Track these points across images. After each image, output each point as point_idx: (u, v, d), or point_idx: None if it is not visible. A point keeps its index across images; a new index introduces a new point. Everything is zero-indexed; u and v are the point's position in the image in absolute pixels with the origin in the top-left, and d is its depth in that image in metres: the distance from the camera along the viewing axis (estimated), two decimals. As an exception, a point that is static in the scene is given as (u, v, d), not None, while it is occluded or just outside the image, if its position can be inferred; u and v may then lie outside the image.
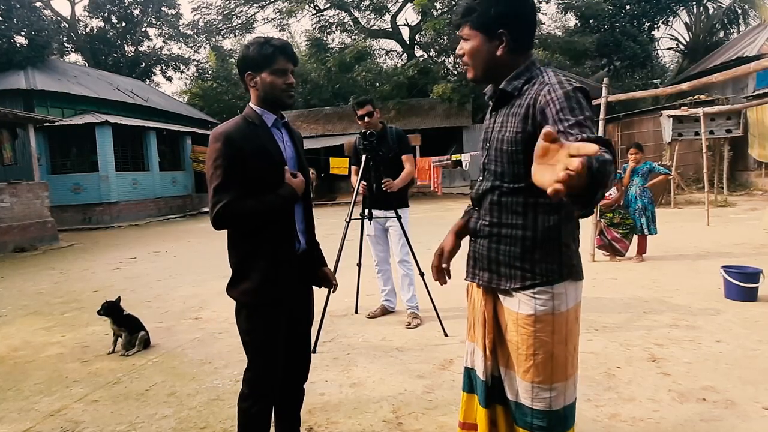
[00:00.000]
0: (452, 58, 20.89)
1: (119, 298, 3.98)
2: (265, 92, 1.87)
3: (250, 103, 1.93)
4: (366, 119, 4.01)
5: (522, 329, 1.53)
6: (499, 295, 1.61)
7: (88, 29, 26.51)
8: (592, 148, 0.94)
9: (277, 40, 1.87)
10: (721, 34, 23.17)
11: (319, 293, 3.76)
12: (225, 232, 1.89)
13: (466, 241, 1.78)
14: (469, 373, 1.77)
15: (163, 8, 26.45)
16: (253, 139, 1.82)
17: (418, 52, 22.98)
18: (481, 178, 1.65)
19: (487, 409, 1.66)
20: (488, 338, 1.63)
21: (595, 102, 7.08)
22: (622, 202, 6.25)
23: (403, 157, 4.14)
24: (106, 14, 25.98)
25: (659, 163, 10.12)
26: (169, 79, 29.68)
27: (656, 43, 24.82)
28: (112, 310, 3.84)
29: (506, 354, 1.61)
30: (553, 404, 1.53)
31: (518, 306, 1.54)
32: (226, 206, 1.76)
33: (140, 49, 27.93)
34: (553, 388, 1.52)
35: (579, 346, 1.64)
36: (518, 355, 1.55)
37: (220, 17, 24.01)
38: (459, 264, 1.71)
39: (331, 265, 3.89)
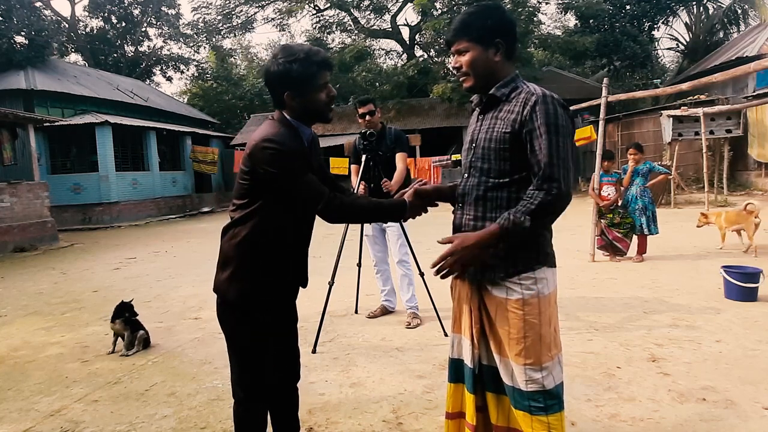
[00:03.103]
0: (452, 58, 20.88)
1: (132, 300, 4.01)
2: (306, 109, 1.78)
3: (287, 115, 1.80)
4: (367, 117, 4.03)
5: (512, 313, 1.67)
6: (487, 286, 1.72)
7: (88, 29, 26.51)
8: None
9: (316, 53, 1.74)
10: (721, 34, 23.15)
11: (318, 293, 3.77)
12: (231, 231, 1.84)
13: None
14: (454, 363, 1.89)
15: (163, 8, 26.41)
16: (305, 153, 1.80)
17: (418, 52, 23.00)
18: (466, 175, 1.78)
19: (474, 395, 1.78)
20: (475, 328, 1.76)
21: (595, 102, 7.10)
22: (620, 202, 6.25)
23: (397, 156, 4.14)
24: (106, 14, 25.96)
25: (659, 163, 10.13)
26: (169, 79, 29.70)
27: (656, 43, 24.85)
28: (129, 309, 3.87)
29: (498, 342, 1.72)
30: (546, 384, 1.66)
31: (506, 292, 1.68)
32: (332, 196, 1.76)
33: (140, 49, 27.93)
34: (544, 368, 1.66)
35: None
36: (509, 339, 1.68)
37: (220, 17, 24.00)
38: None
39: (330, 266, 3.93)
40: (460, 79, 1.77)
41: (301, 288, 2.01)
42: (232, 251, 1.82)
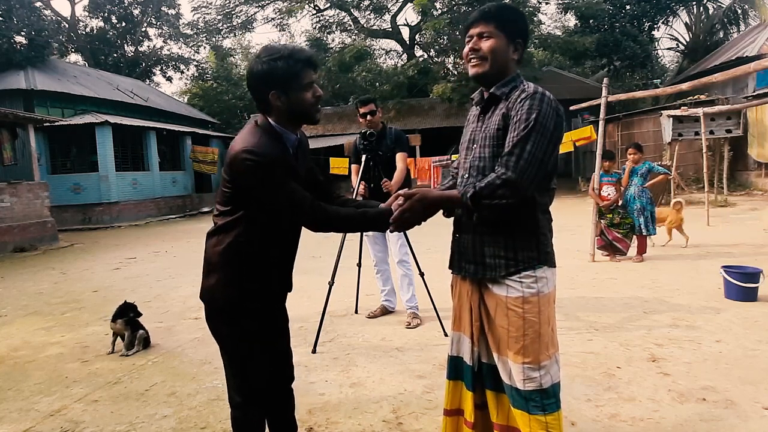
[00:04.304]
0: (452, 58, 20.89)
1: (134, 300, 4.03)
2: (292, 110, 1.72)
3: (271, 121, 1.74)
4: (368, 117, 4.03)
5: (511, 311, 1.67)
6: (487, 284, 1.72)
7: (88, 29, 26.52)
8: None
9: (300, 51, 1.72)
10: (721, 34, 23.15)
11: (318, 293, 3.77)
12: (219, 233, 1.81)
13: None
14: (454, 361, 1.89)
15: (163, 8, 26.45)
16: (289, 161, 1.75)
17: (418, 52, 22.99)
18: (466, 175, 1.77)
19: (473, 393, 1.79)
20: (475, 326, 1.77)
21: (595, 102, 7.10)
22: (620, 202, 6.25)
23: (397, 156, 4.14)
24: (106, 14, 25.99)
25: (659, 163, 10.12)
26: (169, 79, 29.72)
27: (656, 43, 24.83)
28: (133, 309, 3.89)
29: (497, 340, 1.72)
30: (543, 383, 1.67)
31: (507, 290, 1.69)
32: (315, 205, 1.71)
33: (140, 49, 27.95)
34: (542, 367, 1.66)
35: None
36: (509, 338, 1.68)
37: (220, 17, 24.02)
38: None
39: (330, 266, 3.93)
40: (472, 63, 1.73)
41: (293, 290, 2.00)
42: (216, 258, 1.79)
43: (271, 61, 1.67)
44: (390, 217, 1.73)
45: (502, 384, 1.74)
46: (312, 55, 1.75)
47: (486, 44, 1.69)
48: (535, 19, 18.96)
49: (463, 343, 1.83)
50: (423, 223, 1.74)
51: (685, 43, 25.74)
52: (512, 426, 1.74)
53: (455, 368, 1.88)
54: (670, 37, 26.42)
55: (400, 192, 1.71)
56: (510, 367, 1.69)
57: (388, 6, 21.77)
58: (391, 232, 1.76)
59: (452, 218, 1.87)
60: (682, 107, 12.20)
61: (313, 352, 3.58)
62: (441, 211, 1.84)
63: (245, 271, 1.78)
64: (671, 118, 11.74)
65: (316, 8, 22.43)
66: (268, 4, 23.15)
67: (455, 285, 1.90)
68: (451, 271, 1.87)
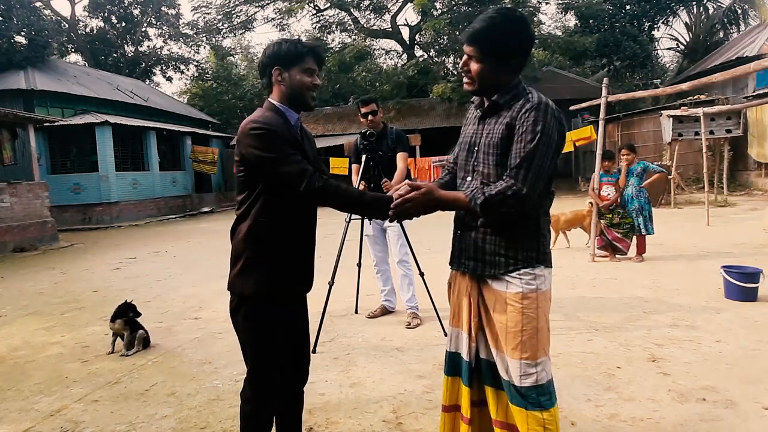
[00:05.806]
0: (452, 58, 20.90)
1: (132, 300, 4.03)
2: (292, 89, 1.86)
3: (272, 100, 1.89)
4: (369, 117, 4.04)
5: (510, 306, 1.69)
6: (487, 279, 1.75)
7: (88, 29, 26.51)
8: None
9: (307, 42, 1.92)
10: (721, 34, 23.15)
11: (318, 293, 3.77)
12: (238, 226, 1.87)
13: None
14: (451, 357, 1.91)
15: (163, 8, 26.43)
16: (293, 134, 1.85)
17: (418, 52, 22.98)
18: (469, 178, 1.79)
19: (470, 388, 1.80)
20: (473, 321, 1.79)
21: (595, 102, 7.10)
22: (619, 202, 6.25)
23: (397, 156, 4.14)
24: (106, 14, 25.97)
25: (658, 163, 10.14)
26: (169, 79, 29.70)
27: (656, 43, 24.82)
28: (133, 309, 3.89)
29: (495, 336, 1.74)
30: (539, 379, 1.69)
31: (506, 286, 1.71)
32: (317, 176, 1.77)
33: (140, 49, 27.94)
34: (538, 363, 1.69)
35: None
36: (507, 333, 1.70)
37: (220, 16, 23.99)
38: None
39: (330, 266, 3.93)
40: (464, 80, 1.78)
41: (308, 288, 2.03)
42: (240, 246, 1.86)
43: (281, 43, 1.88)
44: (389, 203, 1.75)
45: (501, 380, 1.76)
46: (318, 47, 1.91)
47: (473, 67, 1.71)
48: (535, 19, 18.96)
49: (461, 339, 1.85)
50: (421, 216, 1.77)
51: (685, 43, 25.74)
52: (511, 423, 1.75)
53: (452, 364, 1.91)
54: (670, 37, 26.44)
55: (407, 182, 1.74)
56: (508, 363, 1.71)
57: (388, 6, 21.76)
58: (390, 221, 1.77)
59: (453, 216, 1.88)
60: (682, 107, 12.21)
61: (313, 352, 3.58)
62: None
63: (269, 253, 1.83)
64: (671, 118, 11.75)
65: (316, 8, 22.42)
66: (268, 3, 23.12)
67: (454, 281, 1.92)
68: (450, 266, 1.89)
